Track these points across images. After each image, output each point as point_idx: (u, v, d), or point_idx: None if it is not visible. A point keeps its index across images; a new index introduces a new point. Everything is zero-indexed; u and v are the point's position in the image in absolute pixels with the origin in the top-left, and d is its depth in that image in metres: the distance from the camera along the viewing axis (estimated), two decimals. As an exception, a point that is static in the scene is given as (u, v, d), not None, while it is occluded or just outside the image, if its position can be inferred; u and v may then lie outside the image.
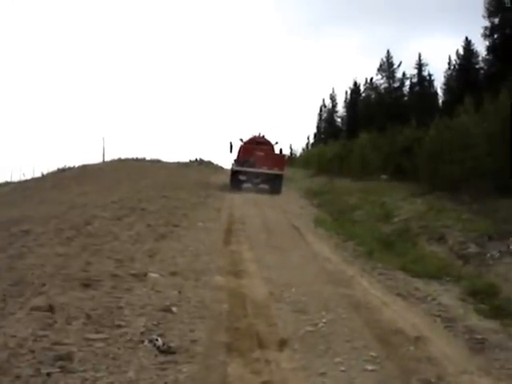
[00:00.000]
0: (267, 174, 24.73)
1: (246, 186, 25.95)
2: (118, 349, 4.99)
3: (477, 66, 35.20)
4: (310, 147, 70.52)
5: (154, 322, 5.79)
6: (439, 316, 6.84)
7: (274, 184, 24.84)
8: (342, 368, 4.87)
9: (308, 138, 74.25)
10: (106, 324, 5.61)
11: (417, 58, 43.62)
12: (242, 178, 25.13)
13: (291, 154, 76.39)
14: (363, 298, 7.42)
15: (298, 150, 77.42)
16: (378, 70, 47.44)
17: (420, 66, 44.15)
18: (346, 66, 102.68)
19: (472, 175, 15.93)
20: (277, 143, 27.07)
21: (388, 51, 46.88)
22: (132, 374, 4.46)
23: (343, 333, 5.88)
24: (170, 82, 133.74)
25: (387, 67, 46.95)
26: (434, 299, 7.63)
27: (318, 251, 10.95)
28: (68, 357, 4.66)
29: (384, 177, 27.23)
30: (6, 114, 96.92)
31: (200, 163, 49.91)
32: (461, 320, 6.70)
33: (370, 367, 4.91)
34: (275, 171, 24.82)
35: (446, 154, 18.45)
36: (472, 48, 36.04)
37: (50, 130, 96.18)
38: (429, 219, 13.47)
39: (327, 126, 66.16)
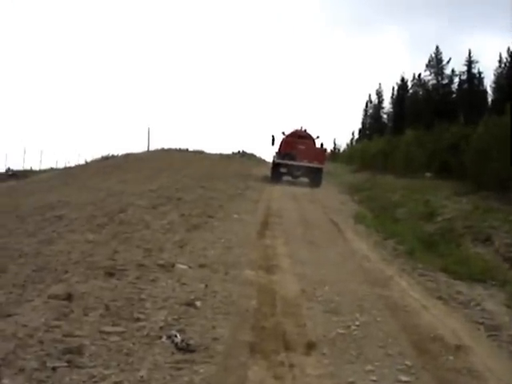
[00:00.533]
0: (307, 167, 25.16)
1: (286, 178, 26.28)
2: (133, 344, 4.68)
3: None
4: (354, 143, 69.36)
5: (175, 317, 5.46)
6: (482, 323, 6.30)
7: (314, 177, 25.22)
8: (373, 377, 4.44)
9: (353, 134, 73.01)
10: (124, 316, 5.31)
11: (467, 55, 42.21)
12: (282, 170, 25.61)
13: (335, 148, 75.61)
14: (401, 300, 6.94)
15: (342, 145, 76.42)
16: (427, 66, 45.94)
17: (470, 62, 42.67)
18: (393, 62, 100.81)
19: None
20: (318, 137, 27.31)
21: (437, 47, 45.32)
22: (144, 372, 4.14)
23: (377, 337, 5.44)
24: (217, 74, 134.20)
25: (436, 63, 45.44)
26: (477, 304, 7.08)
27: (356, 248, 10.46)
28: (78, 350, 4.37)
29: (428, 174, 26.43)
30: (56, 102, 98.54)
31: (242, 155, 49.70)
32: (506, 329, 6.15)
33: (404, 378, 4.47)
34: (315, 164, 25.27)
35: (494, 151, 17.63)
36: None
37: (98, 119, 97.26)
38: (474, 219, 12.77)
39: (373, 121, 64.81)
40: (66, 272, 6.80)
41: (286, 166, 25.50)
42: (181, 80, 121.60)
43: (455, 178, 21.61)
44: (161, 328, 5.10)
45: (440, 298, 7.33)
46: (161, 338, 4.89)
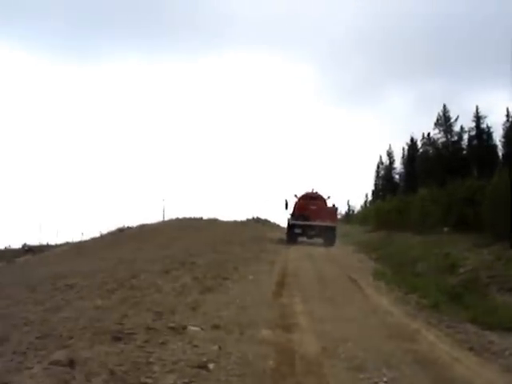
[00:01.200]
0: (321, 226, 26.11)
1: (301, 239, 26.72)
2: (139, 411, 4.24)
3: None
4: (368, 204, 69.08)
5: (186, 380, 5.02)
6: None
7: (328, 236, 25.95)
8: None
9: (366, 196, 72.90)
10: (130, 381, 4.89)
11: (474, 111, 42.40)
12: (297, 230, 26.37)
13: (349, 210, 75.22)
14: (430, 354, 6.44)
15: (356, 206, 76.07)
16: (435, 124, 46.24)
17: (478, 118, 42.92)
18: (402, 123, 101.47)
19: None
20: (329, 197, 28.40)
21: (444, 106, 45.75)
22: None
23: (408, 395, 4.94)
24: (228, 143, 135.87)
25: (444, 121, 45.72)
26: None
27: (378, 304, 9.96)
28: (77, 421, 3.95)
29: (446, 229, 25.86)
30: (71, 176, 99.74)
31: (257, 221, 49.51)
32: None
33: None
34: (328, 223, 26.29)
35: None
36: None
37: (113, 193, 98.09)
38: (498, 269, 12.27)
39: (385, 182, 64.79)
40: (71, 338, 6.39)
41: (300, 226, 26.28)
42: (193, 150, 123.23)
43: (473, 231, 21.03)
44: (170, 393, 4.66)
45: (471, 348, 6.82)
46: (169, 404, 4.45)
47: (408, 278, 13.36)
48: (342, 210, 75.37)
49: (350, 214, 72.89)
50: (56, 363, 5.26)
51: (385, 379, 5.35)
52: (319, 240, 26.37)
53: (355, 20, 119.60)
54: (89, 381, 4.83)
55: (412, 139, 53.81)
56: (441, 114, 45.79)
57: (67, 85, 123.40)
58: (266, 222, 49.76)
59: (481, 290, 10.92)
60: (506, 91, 75.09)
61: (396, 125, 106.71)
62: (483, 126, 42.51)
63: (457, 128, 44.26)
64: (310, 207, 26.87)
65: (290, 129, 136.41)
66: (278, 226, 43.22)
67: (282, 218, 36.26)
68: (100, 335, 6.48)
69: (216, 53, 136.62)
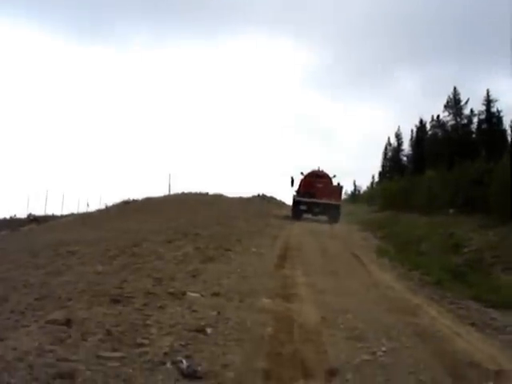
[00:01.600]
0: (326, 203, 26.72)
1: (306, 215, 27.26)
2: (133, 370, 4.18)
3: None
4: (374, 186, 68.78)
5: (182, 343, 4.95)
6: (523, 346, 5.71)
7: (333, 213, 26.51)
8: (405, 404, 3.89)
9: (373, 177, 72.48)
10: (126, 342, 4.83)
11: (485, 95, 41.76)
12: (302, 207, 27.11)
13: (355, 190, 75.00)
14: (431, 327, 6.37)
15: (362, 187, 75.79)
16: (445, 106, 45.49)
17: (488, 102, 42.15)
18: (411, 105, 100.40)
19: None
20: (334, 176, 28.96)
21: (455, 88, 44.90)
22: (142, 399, 3.65)
23: (407, 363, 4.88)
24: (238, 121, 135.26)
25: (454, 104, 44.98)
26: (515, 329, 6.48)
27: (380, 279, 9.90)
28: (70, 375, 3.89)
29: (452, 211, 25.68)
30: (81, 148, 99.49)
31: (262, 198, 49.41)
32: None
33: (440, 405, 3.91)
34: (333, 201, 26.94)
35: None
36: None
37: (120, 166, 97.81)
38: (503, 249, 12.14)
39: (392, 164, 64.27)
40: (70, 300, 6.36)
41: (305, 203, 26.94)
42: (201, 127, 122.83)
43: (479, 213, 20.86)
44: (165, 354, 4.60)
45: (473, 324, 6.74)
46: (165, 364, 4.40)
47: (411, 256, 13.28)
48: (349, 189, 75.31)
49: (356, 194, 72.67)
50: (53, 322, 5.22)
51: (384, 349, 5.27)
52: (324, 217, 26.93)
53: (364, 4, 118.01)
54: (84, 339, 4.78)
55: (421, 121, 53.12)
56: (451, 96, 45.09)
57: (76, 62, 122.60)
58: (271, 200, 49.70)
59: (485, 270, 10.83)
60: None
61: (405, 107, 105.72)
62: (493, 109, 41.85)
63: (467, 111, 43.61)
64: (315, 185, 27.50)
65: (299, 108, 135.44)
66: (284, 203, 43.25)
67: (287, 195, 36.71)
68: (99, 297, 6.45)
69: (227, 34, 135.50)
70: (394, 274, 10.94)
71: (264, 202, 44.31)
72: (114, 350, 4.58)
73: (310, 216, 27.21)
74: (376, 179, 70.68)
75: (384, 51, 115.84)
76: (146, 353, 4.59)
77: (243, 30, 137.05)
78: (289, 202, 32.92)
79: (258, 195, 51.25)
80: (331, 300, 7.52)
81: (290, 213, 28.20)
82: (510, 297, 8.30)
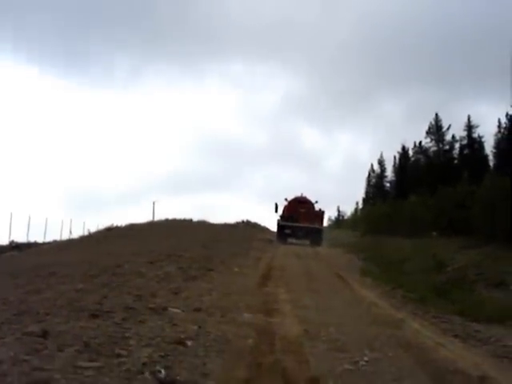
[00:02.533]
0: (308, 227, 28.20)
1: (290, 240, 28.07)
2: (110, 378, 4.09)
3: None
4: (358, 212, 68.90)
5: (161, 354, 4.86)
6: (506, 357, 5.67)
7: (315, 237, 27.78)
8: (388, 409, 3.84)
9: (357, 204, 72.60)
10: (103, 353, 4.72)
11: (466, 120, 42.25)
12: (287, 231, 28.44)
13: (339, 215, 75.15)
14: (414, 339, 6.33)
15: (347, 212, 75.90)
16: (427, 133, 45.72)
17: (470, 127, 42.58)
18: (394, 131, 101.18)
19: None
20: (316, 202, 30.66)
21: (436, 114, 45.29)
22: (118, 407, 3.56)
23: (390, 372, 4.83)
24: (218, 148, 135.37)
25: (436, 130, 45.30)
26: (498, 340, 6.46)
27: (363, 296, 9.88)
28: (45, 383, 3.80)
29: (435, 233, 25.83)
30: (64, 176, 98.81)
31: (247, 224, 49.15)
32: (535, 363, 5.50)
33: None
34: (316, 225, 28.67)
35: (500, 204, 17.18)
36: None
37: (104, 193, 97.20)
38: (485, 267, 12.21)
39: (376, 190, 64.38)
40: (48, 314, 6.23)
41: (289, 227, 28.49)
42: (183, 155, 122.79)
43: (462, 235, 21.01)
44: (144, 364, 4.51)
45: (456, 336, 6.74)
46: (143, 373, 4.31)
47: (395, 276, 13.26)
48: (333, 215, 75.43)
49: (340, 220, 72.80)
50: (29, 334, 5.11)
51: (366, 359, 5.23)
52: (307, 242, 27.71)
53: (348, 29, 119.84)
54: (61, 350, 4.67)
55: (403, 147, 53.40)
56: (433, 122, 45.51)
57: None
58: (255, 225, 49.47)
59: (468, 287, 10.85)
60: (498, 102, 75.71)
61: (388, 133, 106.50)
62: (475, 135, 42.28)
63: (448, 137, 44.01)
64: (299, 210, 29.05)
65: (282, 134, 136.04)
66: (268, 229, 43.10)
67: (271, 222, 37.54)
68: (77, 312, 6.33)
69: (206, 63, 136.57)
70: (378, 291, 10.92)
71: (248, 228, 44.10)
72: (92, 361, 4.48)
73: (293, 240, 28.01)
74: (360, 205, 70.85)
75: (366, 77, 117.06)
76: (124, 363, 4.49)
77: (221, 57, 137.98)
78: (273, 227, 34.33)
79: (243, 221, 50.99)
80: (314, 315, 7.46)
81: (273, 237, 29.05)
82: (494, 311, 8.32)
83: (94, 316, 6.18)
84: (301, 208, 29.28)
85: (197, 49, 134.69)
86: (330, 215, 75.96)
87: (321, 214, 30.49)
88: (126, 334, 5.44)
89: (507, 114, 35.97)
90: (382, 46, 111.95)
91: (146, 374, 4.28)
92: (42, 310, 6.58)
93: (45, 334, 5.09)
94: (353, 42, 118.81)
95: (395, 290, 11.06)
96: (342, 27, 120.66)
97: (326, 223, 48.24)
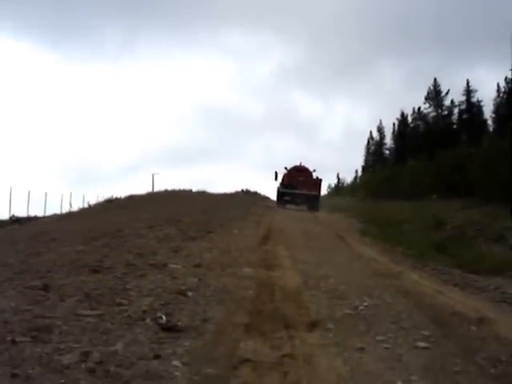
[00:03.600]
0: (306, 194, 29.59)
1: (289, 205, 29.07)
2: (112, 324, 4.13)
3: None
4: (358, 180, 68.87)
5: (162, 302, 4.91)
6: (505, 301, 5.73)
7: (312, 203, 29.09)
8: (386, 345, 3.88)
9: (356, 172, 72.55)
10: (104, 302, 4.77)
11: (465, 85, 41.95)
12: (286, 198, 29.94)
13: (338, 182, 75.19)
14: (413, 288, 6.39)
15: (346, 179, 75.90)
16: (426, 98, 45.43)
17: (469, 92, 42.25)
18: (393, 98, 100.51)
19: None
20: (314, 170, 31.79)
21: (435, 79, 44.83)
22: (120, 346, 3.59)
23: (389, 315, 4.89)
24: (216, 118, 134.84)
25: (435, 95, 44.97)
26: (497, 288, 6.51)
27: (363, 253, 9.92)
28: (47, 328, 3.83)
29: (435, 196, 25.84)
30: (64, 150, 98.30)
31: (246, 193, 49.18)
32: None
33: (421, 344, 3.92)
34: (313, 192, 29.88)
35: (500, 164, 17.17)
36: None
37: (104, 166, 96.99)
38: (485, 224, 12.25)
39: (375, 158, 64.29)
40: (49, 272, 6.25)
41: (289, 194, 29.89)
42: (182, 125, 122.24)
43: (462, 196, 21.03)
44: (144, 312, 4.56)
45: (456, 285, 6.79)
46: (144, 320, 4.35)
47: (394, 234, 13.29)
48: (332, 183, 75.48)
49: (339, 187, 72.84)
50: (31, 287, 5.15)
51: (365, 304, 5.28)
52: (304, 207, 28.83)
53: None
54: (62, 301, 4.70)
55: (403, 114, 53.12)
56: (431, 88, 45.21)
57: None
58: (255, 194, 49.48)
59: (467, 242, 10.89)
60: (497, 66, 75.07)
61: (387, 100, 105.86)
62: (474, 100, 42.03)
63: (447, 102, 43.76)
64: (297, 178, 30.28)
65: (281, 104, 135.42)
66: (268, 198, 43.18)
67: (271, 190, 38.71)
68: (78, 269, 6.36)
69: (203, 31, 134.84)
70: (377, 249, 10.97)
71: (248, 196, 44.12)
72: (93, 309, 4.52)
73: (293, 206, 28.93)
74: (359, 173, 70.81)
75: (364, 45, 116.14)
76: (125, 311, 4.53)
77: (219, 27, 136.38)
78: (273, 196, 35.37)
79: (242, 190, 51.04)
80: (313, 269, 7.49)
81: (273, 204, 30.14)
82: (493, 264, 8.36)
83: (95, 271, 6.22)
84: (299, 176, 30.54)
85: (193, 20, 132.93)
86: (329, 183, 76.11)
87: (318, 181, 31.55)
88: (127, 286, 5.49)
89: (506, 78, 35.68)
90: (380, 13, 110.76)
91: (148, 320, 4.32)
92: (43, 268, 6.60)
93: (46, 288, 5.13)
94: (350, 10, 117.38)
95: (394, 247, 11.11)
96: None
97: (326, 191, 49.18)
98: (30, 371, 3.07)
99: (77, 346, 3.53)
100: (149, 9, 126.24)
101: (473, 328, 4.48)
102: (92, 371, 3.17)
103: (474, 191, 20.85)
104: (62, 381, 3.00)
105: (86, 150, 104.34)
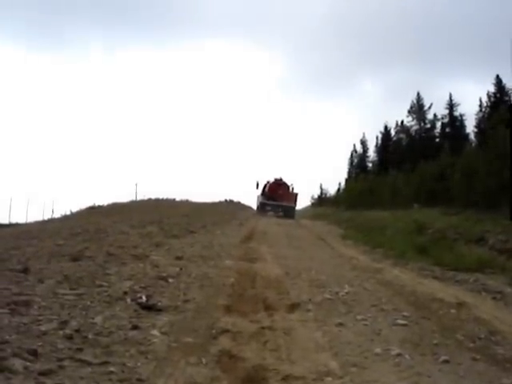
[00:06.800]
0: (284, 205, 32.88)
1: (270, 214, 31.35)
2: (91, 302, 4.11)
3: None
4: (341, 191, 68.96)
5: (143, 285, 4.89)
6: (484, 290, 5.79)
7: (289, 212, 32.23)
8: (365, 322, 3.92)
9: (339, 184, 72.60)
10: (84, 284, 4.74)
11: (448, 99, 42.33)
12: (267, 208, 33.17)
13: (321, 193, 75.25)
14: (393, 280, 6.43)
15: (329, 190, 75.90)
16: (409, 112, 45.73)
17: (451, 106, 42.67)
18: (377, 111, 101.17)
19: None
20: (292, 184, 34.81)
21: (418, 93, 45.25)
22: (99, 319, 3.59)
23: (369, 300, 4.93)
24: (202, 129, 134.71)
25: (418, 109, 45.43)
26: (476, 281, 6.55)
27: (344, 253, 9.95)
28: (26, 303, 3.82)
29: (416, 205, 26.02)
30: (46, 156, 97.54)
31: (230, 202, 49.16)
32: (511, 296, 5.60)
33: (401, 322, 3.96)
34: (291, 204, 33.35)
35: (482, 168, 17.37)
36: (503, 85, 34.68)
37: (87, 174, 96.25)
38: (465, 227, 12.31)
39: (358, 171, 64.39)
40: (29, 259, 6.21)
41: (269, 205, 33.31)
42: (167, 136, 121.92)
43: (443, 204, 21.21)
44: (125, 293, 4.54)
45: (436, 278, 6.83)
46: (124, 299, 4.33)
47: (376, 238, 13.31)
48: (316, 194, 75.50)
49: (322, 198, 72.91)
50: (10, 270, 5.11)
51: (346, 290, 5.32)
52: (282, 214, 31.26)
53: (329, 7, 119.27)
54: (41, 282, 4.68)
55: (386, 127, 53.48)
56: (414, 101, 45.60)
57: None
58: (238, 204, 49.48)
59: (448, 244, 10.89)
60: (480, 81, 76.06)
61: (371, 113, 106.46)
62: (456, 113, 42.43)
63: (430, 116, 44.16)
64: (277, 191, 33.58)
65: (265, 116, 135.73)
66: (250, 207, 43.25)
67: (252, 200, 40.95)
68: (58, 257, 6.32)
69: (188, 40, 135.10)
70: (359, 250, 11.01)
71: (230, 205, 44.12)
72: (72, 289, 4.50)
73: (272, 214, 31.34)
74: (343, 185, 70.82)
75: (347, 58, 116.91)
76: (105, 291, 4.52)
77: (201, 35, 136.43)
78: (254, 205, 38.47)
79: (225, 200, 51.00)
80: (295, 263, 7.52)
81: (257, 210, 32.87)
82: (473, 263, 8.36)
83: (75, 259, 6.18)
84: (279, 189, 33.86)
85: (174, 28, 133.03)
86: (313, 194, 76.19)
87: (295, 195, 35.04)
88: (108, 272, 5.47)
89: (488, 93, 36.08)
90: (363, 25, 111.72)
91: (128, 300, 4.30)
92: (23, 258, 6.55)
93: (26, 270, 5.11)
94: (332, 21, 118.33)
95: (376, 249, 11.13)
96: (322, 3, 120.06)
97: (309, 202, 50.51)
98: (7, 337, 3.05)
99: (55, 317, 3.52)
100: (131, 18, 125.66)
101: (452, 311, 4.52)
102: (70, 337, 3.16)
103: (454, 199, 21.08)
104: (40, 343, 2.98)
105: (68, 158, 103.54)
